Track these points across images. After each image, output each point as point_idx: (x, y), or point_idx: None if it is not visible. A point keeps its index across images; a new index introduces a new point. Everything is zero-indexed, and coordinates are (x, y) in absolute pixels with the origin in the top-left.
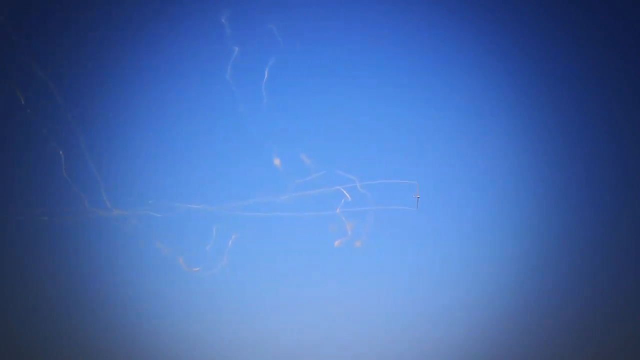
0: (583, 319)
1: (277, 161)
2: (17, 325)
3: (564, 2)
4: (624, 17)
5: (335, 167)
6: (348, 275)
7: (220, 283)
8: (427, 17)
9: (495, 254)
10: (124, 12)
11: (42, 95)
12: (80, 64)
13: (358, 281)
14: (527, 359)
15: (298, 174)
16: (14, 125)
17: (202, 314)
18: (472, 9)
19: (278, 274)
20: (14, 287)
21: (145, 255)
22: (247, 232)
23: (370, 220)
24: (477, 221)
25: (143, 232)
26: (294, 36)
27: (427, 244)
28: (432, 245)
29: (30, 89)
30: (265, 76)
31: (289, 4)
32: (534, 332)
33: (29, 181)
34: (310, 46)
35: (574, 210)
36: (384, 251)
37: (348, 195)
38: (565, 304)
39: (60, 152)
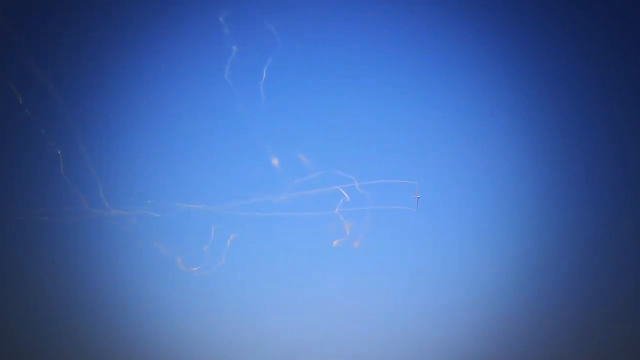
0: (583, 319)
1: (275, 161)
2: (17, 325)
3: (564, 2)
4: (624, 17)
5: (335, 167)
6: (348, 275)
7: (219, 283)
8: (427, 17)
9: (495, 254)
10: (124, 12)
11: (42, 96)
12: (80, 64)
13: (358, 281)
14: (527, 359)
15: (296, 173)
16: (15, 126)
17: (201, 313)
18: (472, 9)
19: (277, 273)
20: (14, 287)
21: (146, 255)
22: (246, 232)
23: (368, 221)
24: (477, 221)
25: (143, 232)
26: (293, 36)
27: (427, 244)
28: (432, 245)
29: (30, 89)
30: (264, 76)
31: (287, 3)
32: (534, 332)
33: (29, 181)
34: (309, 46)
35: (574, 210)
36: (384, 251)
37: (346, 195)
38: (565, 304)
39: (59, 152)
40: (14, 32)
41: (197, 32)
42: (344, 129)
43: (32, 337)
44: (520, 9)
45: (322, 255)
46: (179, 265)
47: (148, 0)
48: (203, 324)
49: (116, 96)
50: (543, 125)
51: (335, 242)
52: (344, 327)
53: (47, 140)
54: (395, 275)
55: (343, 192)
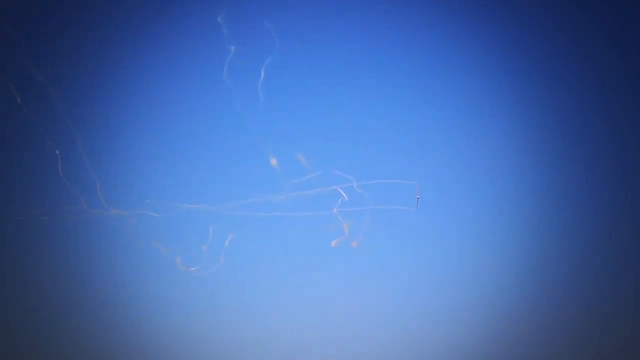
0: (583, 319)
1: (273, 161)
2: (17, 325)
3: (564, 2)
4: (624, 17)
5: (334, 167)
6: (348, 275)
7: (219, 283)
8: (427, 17)
9: (495, 254)
10: (123, 12)
11: (42, 96)
12: (80, 64)
13: (358, 281)
14: (527, 359)
15: (295, 173)
16: (14, 126)
17: (201, 313)
18: (472, 9)
19: (277, 273)
20: (14, 287)
21: (145, 255)
22: (245, 232)
23: (367, 220)
24: (477, 221)
25: (142, 232)
26: (292, 36)
27: (427, 244)
28: (432, 245)
29: (30, 90)
30: (262, 76)
31: (286, 3)
32: (534, 332)
33: (29, 181)
34: (308, 46)
35: (574, 210)
36: (384, 251)
37: (345, 195)
38: (565, 304)
39: (57, 152)
40: (14, 32)
41: (196, 32)
42: (343, 129)
43: (32, 337)
44: (520, 9)
45: (322, 255)
46: (178, 265)
47: (148, 0)
48: (203, 324)
49: (116, 96)
50: (543, 125)
51: (333, 242)
52: (344, 327)
53: (47, 140)
54: (395, 275)
55: (341, 192)
